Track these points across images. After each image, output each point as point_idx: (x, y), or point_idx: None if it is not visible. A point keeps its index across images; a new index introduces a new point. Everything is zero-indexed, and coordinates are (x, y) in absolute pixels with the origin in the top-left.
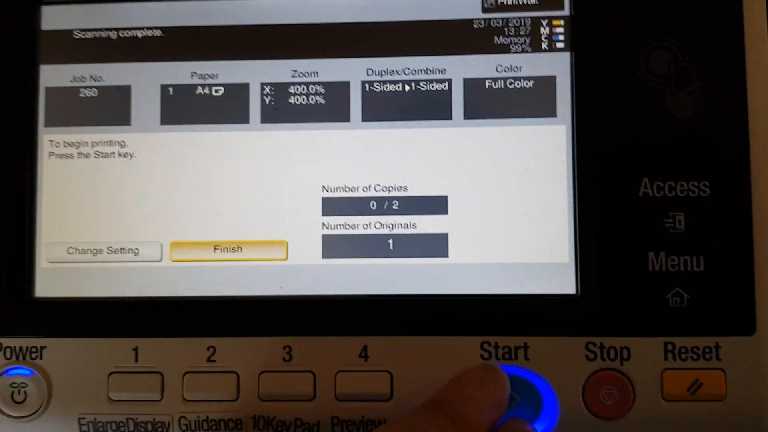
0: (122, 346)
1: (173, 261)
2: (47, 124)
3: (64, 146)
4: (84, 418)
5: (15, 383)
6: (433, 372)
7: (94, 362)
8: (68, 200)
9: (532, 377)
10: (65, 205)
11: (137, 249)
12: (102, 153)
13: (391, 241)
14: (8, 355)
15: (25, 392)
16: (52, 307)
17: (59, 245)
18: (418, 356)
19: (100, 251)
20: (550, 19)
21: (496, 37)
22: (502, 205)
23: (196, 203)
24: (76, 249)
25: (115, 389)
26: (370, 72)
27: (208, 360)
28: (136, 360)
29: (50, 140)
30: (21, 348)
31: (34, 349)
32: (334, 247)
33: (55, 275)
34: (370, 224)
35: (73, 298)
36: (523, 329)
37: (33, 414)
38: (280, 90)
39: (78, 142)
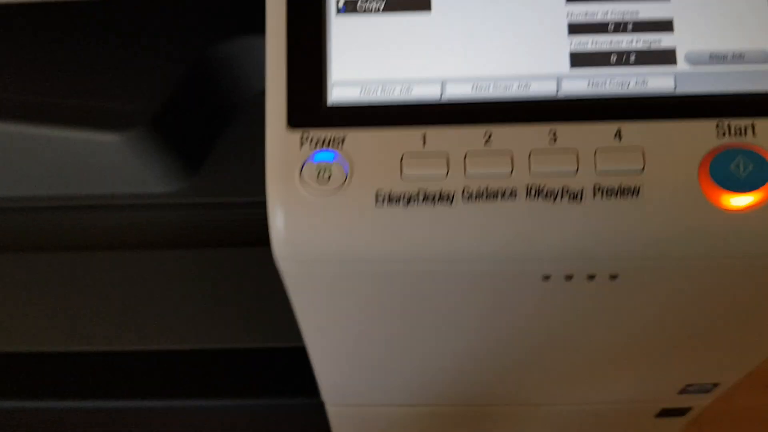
0: (412, 133)
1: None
2: None
3: None
4: (381, 191)
5: (321, 166)
6: (679, 150)
7: (388, 147)
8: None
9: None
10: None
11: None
12: None
13: (626, 54)
14: (315, 142)
15: (330, 171)
16: (351, 108)
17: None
18: (664, 136)
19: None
20: None
21: None
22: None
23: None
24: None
25: (407, 168)
26: None
27: (485, 143)
28: (424, 145)
29: None
30: (325, 138)
31: (335, 138)
32: (581, 59)
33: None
34: (610, 42)
35: (367, 102)
36: (749, 113)
37: (337, 188)
38: None
39: None
